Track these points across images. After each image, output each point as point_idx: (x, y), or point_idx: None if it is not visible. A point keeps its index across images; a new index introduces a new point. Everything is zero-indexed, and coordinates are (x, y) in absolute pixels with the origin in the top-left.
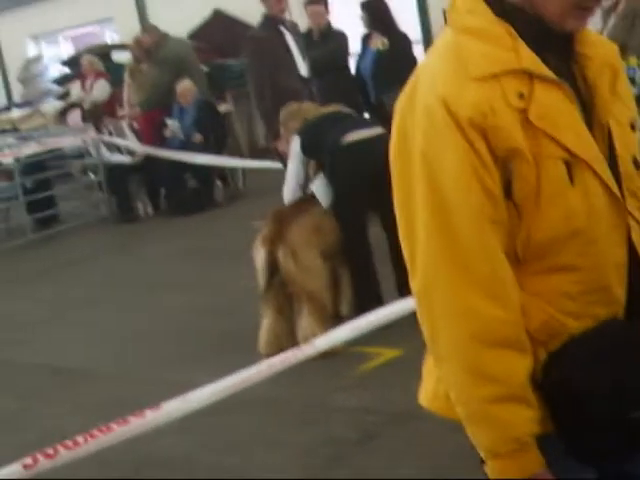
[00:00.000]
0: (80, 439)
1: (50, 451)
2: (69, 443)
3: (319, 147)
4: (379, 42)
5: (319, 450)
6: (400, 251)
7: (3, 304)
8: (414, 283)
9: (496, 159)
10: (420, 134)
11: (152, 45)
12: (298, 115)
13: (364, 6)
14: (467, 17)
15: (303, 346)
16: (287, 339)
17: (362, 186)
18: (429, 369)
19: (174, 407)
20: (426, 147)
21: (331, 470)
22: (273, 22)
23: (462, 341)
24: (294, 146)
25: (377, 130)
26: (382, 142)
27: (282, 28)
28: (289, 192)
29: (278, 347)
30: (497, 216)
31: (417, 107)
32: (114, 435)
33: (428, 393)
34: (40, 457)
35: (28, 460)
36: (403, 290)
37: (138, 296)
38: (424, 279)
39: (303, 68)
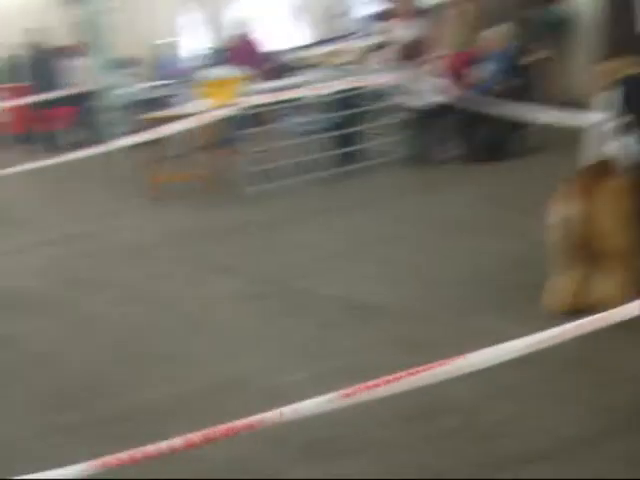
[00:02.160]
0: (389, 378)
1: (370, 383)
2: (390, 378)
3: (637, 103)
4: None
5: (615, 414)
6: None
7: (305, 234)
8: None
9: None
10: None
11: None
12: (618, 71)
13: None
14: None
15: (614, 310)
16: (582, 298)
17: None
18: None
19: (484, 357)
20: None
21: (629, 434)
22: None
23: None
24: (614, 96)
25: None
26: None
27: None
28: (596, 143)
29: (572, 306)
30: None
31: None
32: (419, 378)
33: None
34: (360, 389)
35: (347, 390)
36: None
37: (434, 238)
38: None
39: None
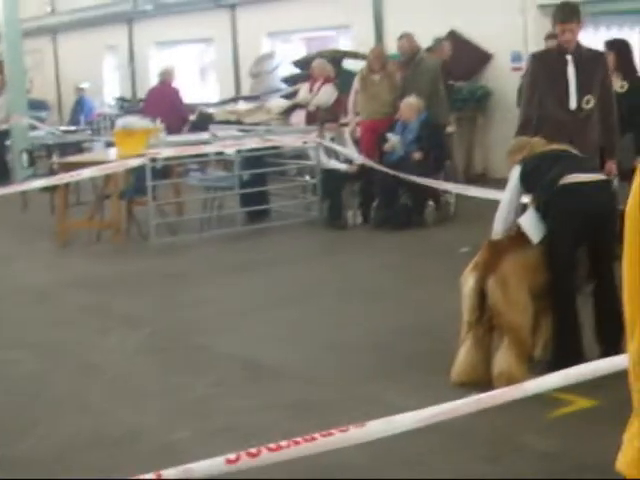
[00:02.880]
0: (284, 443)
1: (254, 451)
2: (272, 446)
3: (536, 182)
4: (618, 84)
5: None
6: (604, 301)
7: (209, 290)
8: (632, 346)
9: None
10: None
11: (410, 51)
12: (524, 149)
13: (610, 44)
14: None
15: (514, 387)
16: (482, 370)
17: (575, 230)
18: (631, 435)
19: (378, 428)
20: None
21: None
22: (560, 49)
23: None
24: (513, 175)
25: (598, 176)
26: (602, 188)
27: (568, 57)
28: (501, 220)
29: (472, 377)
30: None
31: None
32: (315, 445)
33: (627, 459)
34: (243, 455)
35: (232, 456)
36: (606, 344)
37: (337, 303)
38: None
39: (574, 101)
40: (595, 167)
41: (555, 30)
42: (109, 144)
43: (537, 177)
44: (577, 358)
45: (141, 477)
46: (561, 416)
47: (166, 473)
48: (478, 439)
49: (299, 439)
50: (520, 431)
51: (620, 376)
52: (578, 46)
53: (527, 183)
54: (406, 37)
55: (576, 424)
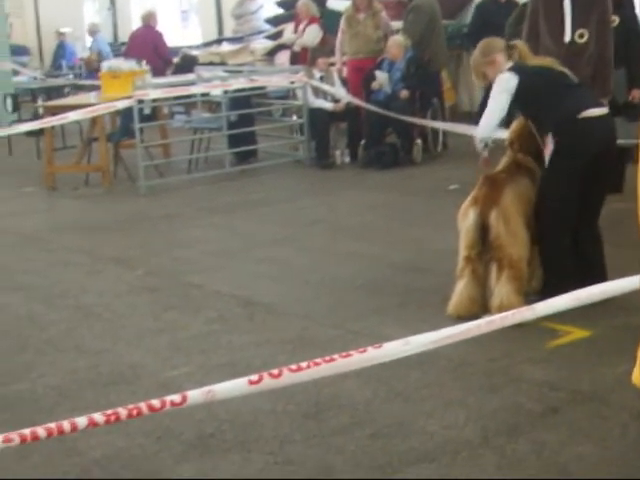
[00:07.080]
0: (304, 364)
1: (275, 372)
2: (294, 367)
3: (534, 103)
4: None
5: (499, 417)
6: (590, 245)
7: (198, 230)
8: None
9: None
10: None
11: None
12: (507, 51)
13: None
14: None
15: (525, 308)
16: (479, 304)
17: (585, 164)
18: None
19: (396, 348)
20: None
21: (509, 437)
22: None
23: None
24: (510, 81)
25: (605, 109)
26: (610, 124)
27: None
28: (488, 127)
29: (469, 310)
30: None
31: None
32: (333, 366)
33: None
34: (266, 376)
35: (254, 377)
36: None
37: (327, 241)
38: None
39: (568, 34)
40: (597, 100)
41: None
42: (91, 88)
43: (535, 98)
44: (568, 287)
45: (167, 398)
46: (557, 346)
47: (191, 394)
48: (474, 370)
49: (319, 360)
50: (517, 362)
51: (616, 307)
52: None
53: (522, 100)
54: None
55: (572, 354)
